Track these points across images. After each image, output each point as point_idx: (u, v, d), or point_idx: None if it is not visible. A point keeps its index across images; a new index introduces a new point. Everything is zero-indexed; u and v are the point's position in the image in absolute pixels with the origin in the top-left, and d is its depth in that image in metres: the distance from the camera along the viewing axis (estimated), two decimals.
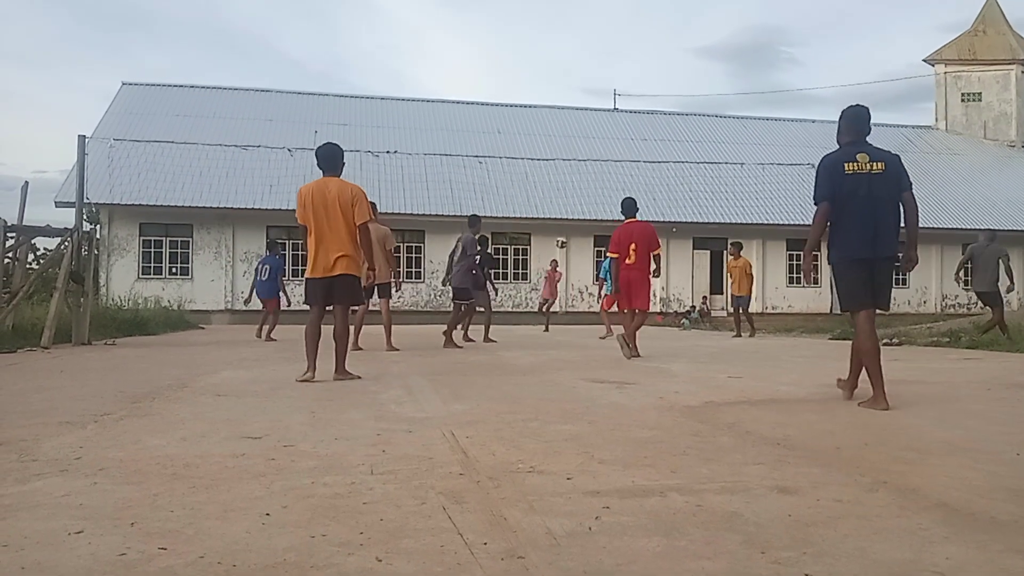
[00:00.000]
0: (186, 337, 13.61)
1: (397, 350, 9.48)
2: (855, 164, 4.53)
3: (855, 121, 4.68)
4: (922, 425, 3.95)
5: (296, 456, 3.04)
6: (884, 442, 3.43)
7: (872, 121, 4.74)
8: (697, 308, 25.94)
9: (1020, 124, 34.15)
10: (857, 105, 4.77)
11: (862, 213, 4.50)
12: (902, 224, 4.61)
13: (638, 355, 8.29)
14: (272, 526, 2.11)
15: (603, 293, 14.53)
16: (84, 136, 11.84)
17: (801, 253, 27.36)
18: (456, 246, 10.80)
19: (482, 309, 11.90)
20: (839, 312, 10.88)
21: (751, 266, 15.52)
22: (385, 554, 1.88)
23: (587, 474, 2.73)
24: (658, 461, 2.95)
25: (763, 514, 2.23)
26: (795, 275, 27.81)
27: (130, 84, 29.70)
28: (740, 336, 14.38)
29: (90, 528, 2.08)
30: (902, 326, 14.55)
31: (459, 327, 11.31)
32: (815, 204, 4.64)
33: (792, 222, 26.13)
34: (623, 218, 8.88)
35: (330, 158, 6.03)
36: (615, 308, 10.21)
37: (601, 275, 13.98)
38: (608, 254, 9.26)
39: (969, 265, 11.32)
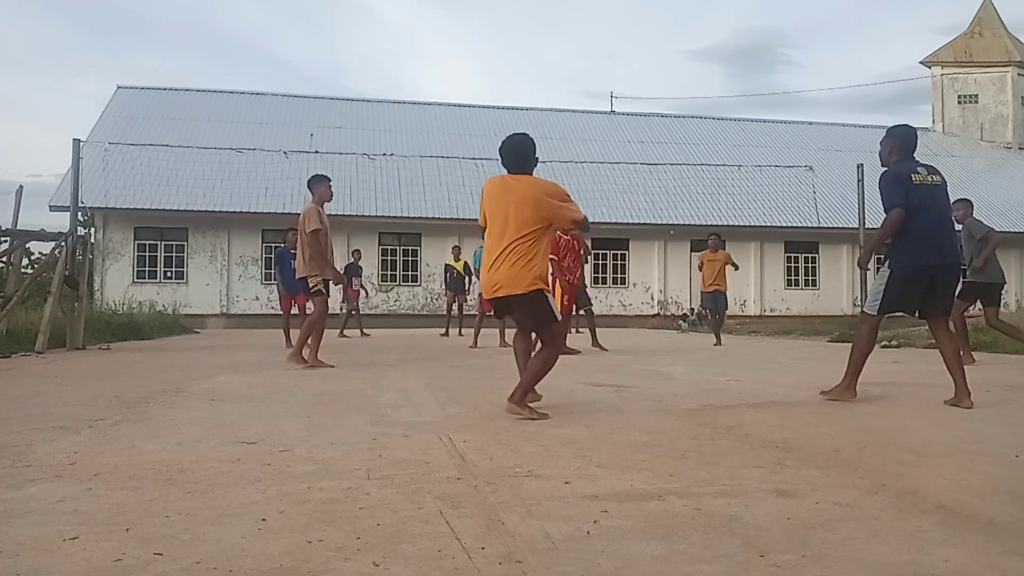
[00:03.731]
0: (181, 341, 13.58)
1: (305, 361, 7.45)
2: (919, 175, 4.63)
3: (906, 140, 4.80)
4: (921, 427, 3.95)
5: (292, 461, 3.02)
6: (883, 444, 3.42)
7: (918, 131, 4.95)
8: (695, 311, 25.93)
9: (1016, 126, 34.23)
10: (905, 125, 4.92)
11: (930, 222, 4.59)
12: None
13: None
14: (268, 531, 2.09)
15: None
16: (79, 140, 11.85)
17: (798, 255, 27.64)
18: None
19: (354, 311, 15.61)
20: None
21: None
22: (382, 559, 1.87)
23: (585, 478, 2.72)
24: (656, 464, 2.95)
25: (762, 517, 2.22)
26: (792, 277, 27.82)
27: (125, 88, 29.64)
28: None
29: (85, 534, 2.06)
30: (901, 328, 14.53)
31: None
32: (886, 211, 4.63)
33: (789, 224, 26.13)
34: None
35: (517, 153, 4.63)
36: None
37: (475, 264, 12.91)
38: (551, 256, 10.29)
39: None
